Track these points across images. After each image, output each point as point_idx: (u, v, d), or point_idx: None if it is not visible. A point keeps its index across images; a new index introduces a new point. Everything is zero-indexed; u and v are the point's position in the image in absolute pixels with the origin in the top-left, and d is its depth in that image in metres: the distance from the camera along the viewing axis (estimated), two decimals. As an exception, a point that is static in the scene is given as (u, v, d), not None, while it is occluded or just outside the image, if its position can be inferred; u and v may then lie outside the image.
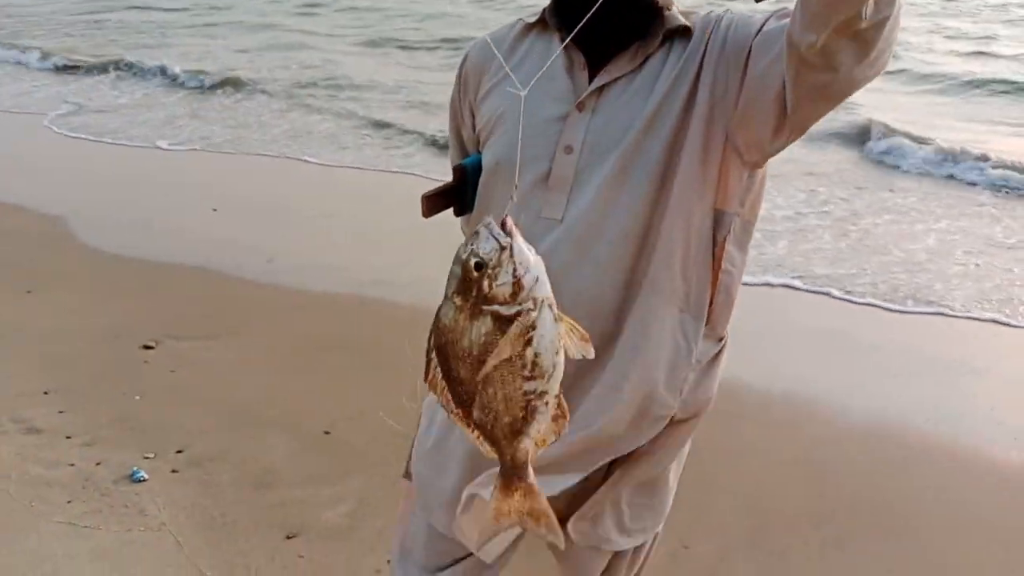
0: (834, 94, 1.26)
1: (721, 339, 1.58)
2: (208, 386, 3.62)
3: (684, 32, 1.45)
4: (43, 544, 2.62)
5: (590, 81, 1.46)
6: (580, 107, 1.45)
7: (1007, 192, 6.67)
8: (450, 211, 1.64)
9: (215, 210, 6.03)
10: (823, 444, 3.35)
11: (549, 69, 1.49)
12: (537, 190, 1.46)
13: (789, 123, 1.32)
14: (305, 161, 7.52)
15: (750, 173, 1.47)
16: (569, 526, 1.59)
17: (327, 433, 3.26)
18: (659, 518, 1.71)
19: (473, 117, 1.61)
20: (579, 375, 1.47)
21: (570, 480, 1.51)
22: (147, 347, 3.94)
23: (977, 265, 5.17)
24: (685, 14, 1.49)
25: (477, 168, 1.58)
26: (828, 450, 3.31)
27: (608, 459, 1.52)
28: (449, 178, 1.63)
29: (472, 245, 0.99)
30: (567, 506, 1.57)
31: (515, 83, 1.53)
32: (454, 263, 1.01)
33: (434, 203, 1.61)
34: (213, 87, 10.57)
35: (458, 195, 1.63)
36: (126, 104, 10.02)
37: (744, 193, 1.48)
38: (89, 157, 7.78)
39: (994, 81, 10.18)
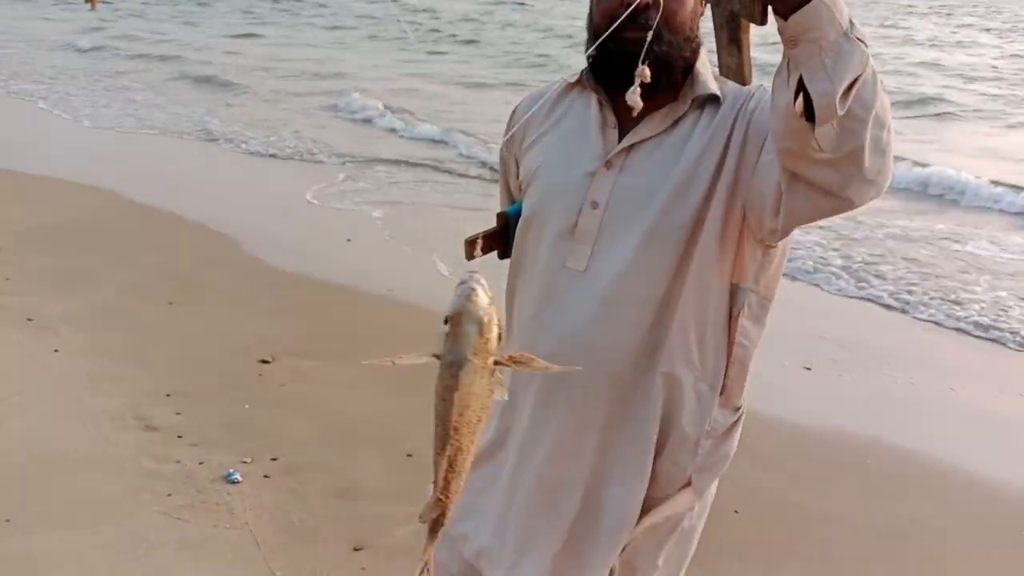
0: (826, 205, 1.32)
1: (738, 408, 1.61)
2: (311, 402, 3.87)
3: (714, 100, 1.53)
4: (141, 529, 2.89)
5: (620, 140, 1.55)
6: (608, 165, 1.54)
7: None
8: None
9: (349, 240, 6.40)
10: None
11: (583, 127, 1.60)
12: (564, 241, 1.56)
13: (784, 210, 1.36)
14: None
15: (764, 252, 1.51)
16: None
17: (409, 456, 3.42)
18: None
19: (518, 167, 1.73)
20: (589, 432, 1.55)
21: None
22: (264, 361, 4.24)
23: None
24: (719, 81, 1.56)
25: (518, 215, 1.70)
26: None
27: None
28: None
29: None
30: None
31: (554, 138, 1.65)
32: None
33: (478, 246, 1.74)
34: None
35: (501, 239, 1.75)
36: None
37: (759, 271, 1.52)
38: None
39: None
